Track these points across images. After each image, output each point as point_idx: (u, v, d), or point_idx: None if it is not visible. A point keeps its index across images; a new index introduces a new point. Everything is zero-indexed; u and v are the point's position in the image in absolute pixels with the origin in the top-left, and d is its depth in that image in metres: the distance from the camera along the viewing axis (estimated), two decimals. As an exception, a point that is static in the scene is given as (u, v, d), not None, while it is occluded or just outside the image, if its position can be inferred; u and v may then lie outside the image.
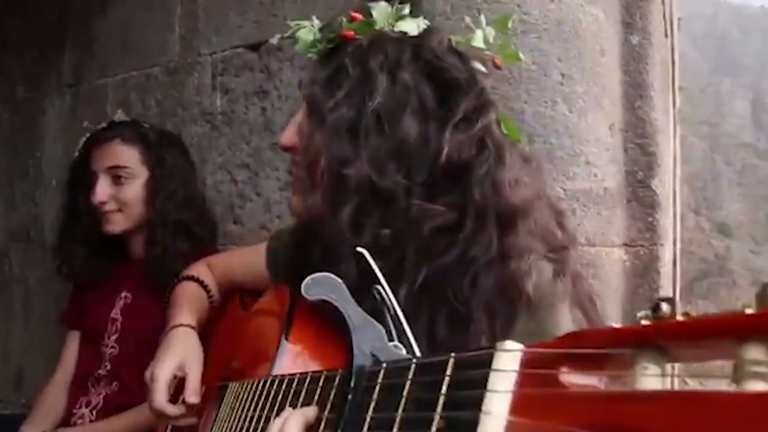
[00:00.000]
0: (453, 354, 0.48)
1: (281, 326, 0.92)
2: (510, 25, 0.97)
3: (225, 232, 1.82)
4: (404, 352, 0.57)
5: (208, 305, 1.23)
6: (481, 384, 0.43)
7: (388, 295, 0.60)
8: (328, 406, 0.60)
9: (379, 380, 0.54)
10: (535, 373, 0.41)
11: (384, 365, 0.55)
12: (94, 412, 1.62)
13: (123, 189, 1.63)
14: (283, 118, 1.74)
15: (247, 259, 1.24)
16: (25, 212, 2.40)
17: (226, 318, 1.24)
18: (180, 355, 1.03)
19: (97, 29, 2.18)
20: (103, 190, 1.61)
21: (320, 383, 0.64)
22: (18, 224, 2.42)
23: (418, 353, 0.59)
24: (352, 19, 0.90)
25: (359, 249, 0.65)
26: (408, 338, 0.58)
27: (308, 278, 0.59)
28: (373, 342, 0.57)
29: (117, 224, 1.64)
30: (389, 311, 0.59)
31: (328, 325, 0.85)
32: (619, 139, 1.39)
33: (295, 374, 0.72)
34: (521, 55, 0.91)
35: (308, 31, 0.99)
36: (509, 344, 0.44)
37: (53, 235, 2.28)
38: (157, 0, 2.02)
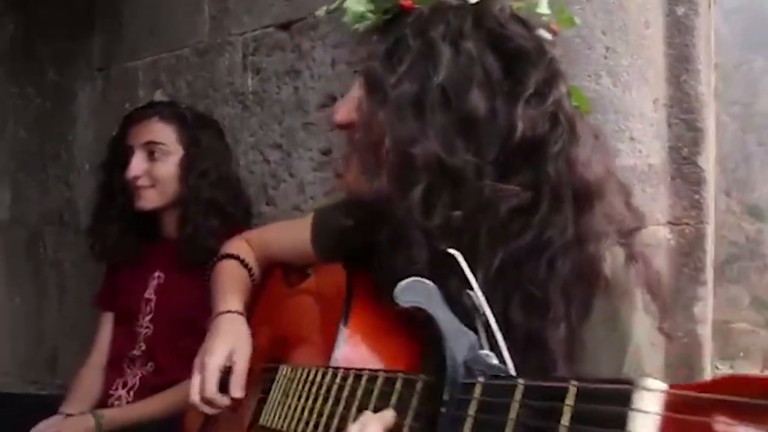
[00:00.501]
0: (575, 382, 0.44)
1: (330, 308, 0.91)
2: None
3: (258, 213, 1.81)
4: (496, 361, 0.55)
5: (250, 284, 1.20)
6: (617, 424, 0.39)
7: (480, 302, 0.56)
8: (411, 414, 0.57)
9: (476, 395, 0.51)
10: (683, 420, 0.37)
11: (481, 380, 0.52)
12: (131, 393, 1.63)
13: (157, 165, 1.63)
14: (316, 97, 1.72)
15: (287, 234, 1.21)
16: (58, 196, 2.41)
17: (266, 293, 1.21)
18: (230, 343, 1.01)
19: (125, 12, 2.18)
20: (138, 164, 1.62)
21: (397, 386, 0.61)
22: (51, 208, 2.43)
23: (510, 363, 0.56)
24: None
25: (451, 251, 0.60)
26: (500, 347, 0.55)
27: (400, 285, 0.55)
28: (466, 351, 0.54)
29: (149, 200, 1.64)
30: (480, 316, 0.56)
31: (387, 314, 0.81)
32: (663, 115, 1.35)
33: (362, 370, 0.70)
34: (576, 19, 0.87)
35: (357, 1, 0.98)
36: (651, 382, 0.40)
37: (87, 218, 2.31)
38: (186, -20, 2.01)
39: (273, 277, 1.23)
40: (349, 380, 0.72)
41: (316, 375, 0.80)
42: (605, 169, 0.78)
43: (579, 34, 1.22)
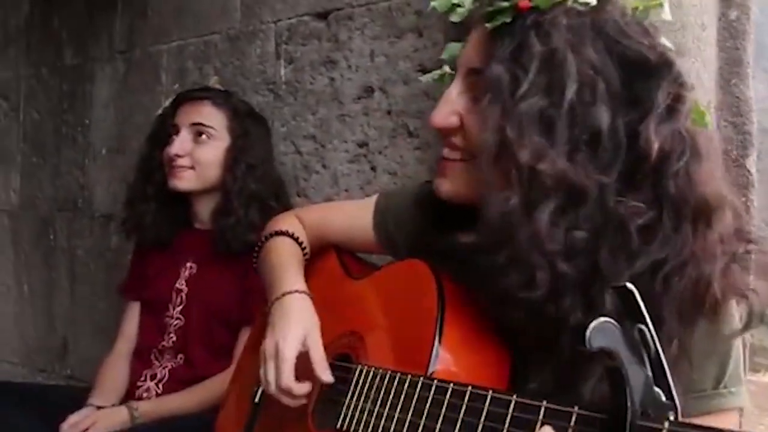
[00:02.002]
0: None
1: (409, 311, 0.88)
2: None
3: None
4: (664, 398, 0.53)
5: (304, 264, 1.13)
6: None
7: (653, 338, 0.55)
8: None
9: None
10: None
11: (666, 425, 0.50)
12: (160, 386, 1.59)
13: (202, 148, 1.60)
14: (353, 89, 1.70)
15: (344, 217, 1.15)
16: (72, 181, 2.36)
17: (322, 277, 1.13)
18: (302, 326, 0.95)
19: (151, -7, 2.13)
20: (182, 143, 1.59)
21: (542, 416, 0.59)
22: (65, 193, 2.39)
23: (678, 402, 0.54)
24: None
25: (627, 285, 0.56)
26: (669, 384, 0.54)
27: (593, 326, 0.52)
28: (642, 389, 0.53)
29: (186, 181, 1.60)
30: (650, 353, 0.55)
31: (481, 329, 0.82)
32: (713, 117, 1.36)
33: (486, 390, 0.67)
34: (667, 14, 0.84)
35: None
36: None
37: (103, 204, 2.27)
38: (216, -35, 1.98)
39: (328, 259, 1.16)
40: (466, 399, 0.68)
41: (417, 388, 0.75)
42: (723, 187, 0.75)
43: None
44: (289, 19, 1.81)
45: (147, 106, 2.11)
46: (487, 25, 0.77)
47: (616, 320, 0.55)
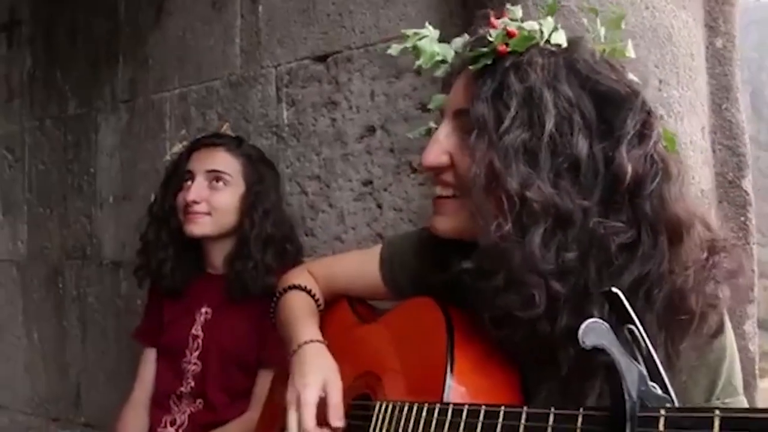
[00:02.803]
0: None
1: (419, 344, 0.93)
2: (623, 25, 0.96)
3: (296, 245, 1.81)
4: (660, 392, 0.58)
5: (318, 315, 1.19)
6: None
7: (642, 336, 0.59)
8: None
9: (660, 428, 0.54)
10: None
11: (663, 412, 0.54)
12: (180, 431, 1.61)
13: (218, 194, 1.63)
14: (355, 129, 1.75)
15: (353, 267, 1.21)
16: (79, 229, 2.39)
17: (336, 325, 1.19)
18: (322, 373, 1.00)
19: (151, 43, 2.19)
20: (198, 190, 1.62)
21: (551, 422, 0.63)
22: (73, 242, 2.41)
23: (673, 394, 0.58)
24: (491, 26, 0.88)
25: (613, 289, 0.62)
26: (663, 379, 0.58)
27: (584, 326, 0.57)
28: (638, 385, 0.57)
29: (202, 226, 1.62)
30: (642, 350, 0.59)
31: (489, 352, 0.86)
32: (708, 142, 1.40)
33: (498, 406, 0.71)
34: (630, 52, 0.90)
35: (430, 41, 0.99)
36: None
37: (111, 251, 2.30)
38: (215, 12, 2.03)
39: (340, 308, 1.22)
40: (481, 418, 0.73)
41: (435, 413, 0.79)
42: (691, 203, 0.82)
43: (635, 68, 1.26)
44: (289, 63, 1.86)
45: (152, 153, 2.15)
46: (471, 67, 0.84)
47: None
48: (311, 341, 1.06)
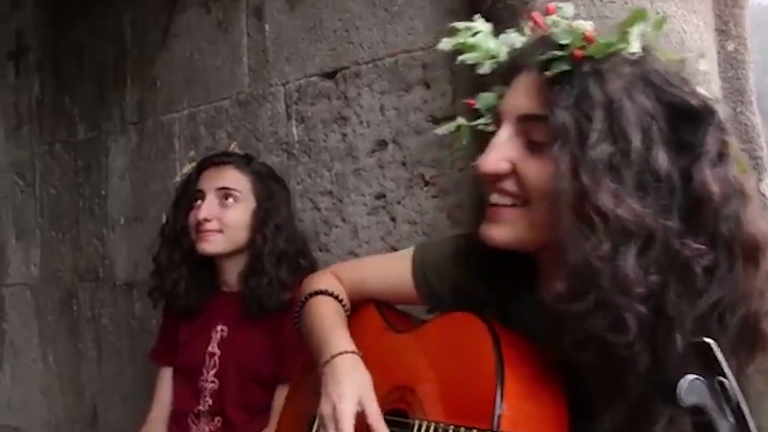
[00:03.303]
0: None
1: (462, 362, 0.89)
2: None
3: (310, 261, 1.81)
4: None
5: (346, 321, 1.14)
6: None
7: (734, 390, 0.57)
8: None
9: None
10: None
11: None
12: (200, 450, 1.61)
13: (229, 211, 1.63)
14: (366, 143, 1.74)
15: (381, 271, 1.16)
16: (92, 252, 2.40)
17: (363, 332, 1.12)
18: (356, 386, 0.96)
19: (159, 64, 2.20)
20: (209, 208, 1.62)
21: None
22: (85, 264, 2.42)
23: None
24: (536, 25, 0.86)
25: (706, 340, 0.58)
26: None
27: (685, 384, 0.55)
28: None
29: (215, 244, 1.62)
30: (730, 404, 0.57)
31: (539, 379, 0.83)
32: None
33: None
34: (703, 65, 0.87)
35: (485, 36, 0.94)
36: None
37: (123, 273, 2.30)
38: (221, 32, 2.04)
39: (368, 313, 1.16)
40: None
41: None
42: (765, 226, 0.78)
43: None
44: (298, 80, 1.87)
45: (162, 174, 2.16)
46: (547, 73, 0.79)
47: (700, 375, 0.57)
48: (345, 352, 1.01)
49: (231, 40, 2.01)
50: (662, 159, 0.74)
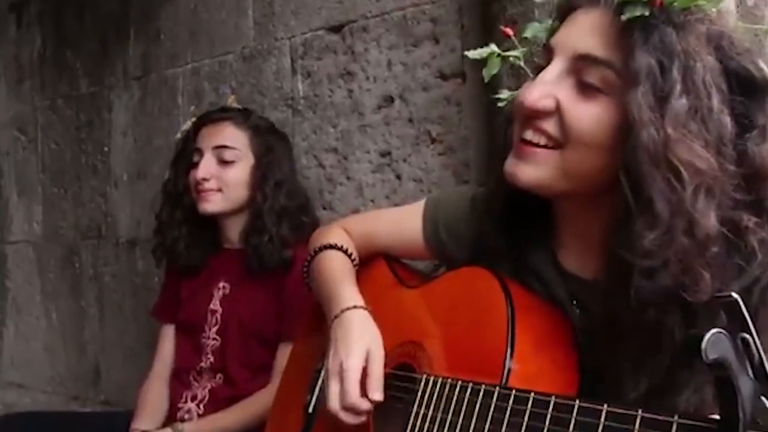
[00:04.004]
0: None
1: (472, 317, 0.86)
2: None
3: (314, 218, 1.79)
4: None
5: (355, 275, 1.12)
6: None
7: (758, 348, 0.55)
8: None
9: None
10: None
11: None
12: (201, 406, 1.60)
13: (227, 170, 1.60)
14: (373, 99, 1.71)
15: (391, 225, 1.13)
16: (94, 208, 2.38)
17: (372, 286, 1.10)
18: (365, 342, 0.94)
19: (163, 18, 2.15)
20: (207, 167, 1.59)
21: (664, 429, 0.57)
22: (88, 221, 2.40)
23: None
24: None
25: (733, 295, 0.57)
26: None
27: (708, 338, 0.53)
28: (751, 400, 0.54)
29: (215, 204, 1.60)
30: (753, 363, 0.55)
31: (550, 336, 0.81)
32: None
33: (596, 404, 0.64)
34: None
35: None
36: None
37: (126, 230, 2.29)
38: (226, -15, 2.00)
39: (377, 267, 1.14)
40: (551, 410, 0.67)
41: (494, 397, 0.74)
42: None
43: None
44: (303, 34, 1.83)
45: (165, 130, 2.13)
46: (624, 15, 0.74)
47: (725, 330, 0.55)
48: (355, 307, 0.99)
49: (236, -8, 1.97)
50: (727, 122, 0.72)
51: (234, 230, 1.66)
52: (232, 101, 1.74)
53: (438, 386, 0.83)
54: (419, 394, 0.86)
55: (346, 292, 1.03)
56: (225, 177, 1.60)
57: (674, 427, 0.57)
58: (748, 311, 0.57)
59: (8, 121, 2.69)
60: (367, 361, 0.93)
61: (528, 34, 0.92)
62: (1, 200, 2.75)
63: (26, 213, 2.65)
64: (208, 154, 1.61)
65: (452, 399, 0.80)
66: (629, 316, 0.74)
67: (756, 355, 0.55)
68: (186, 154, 1.66)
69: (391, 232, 1.12)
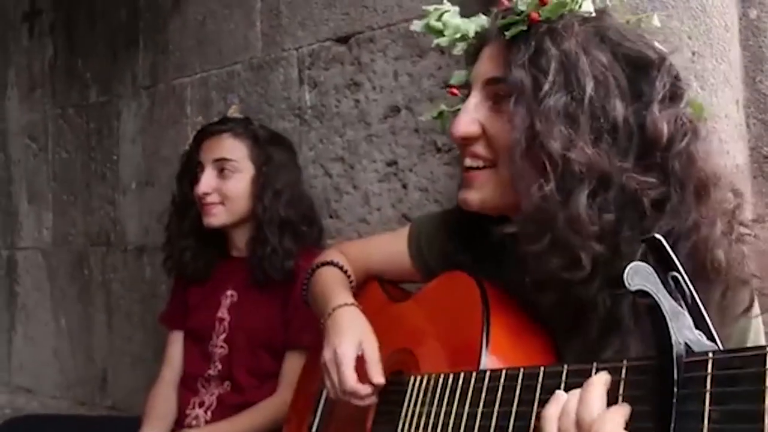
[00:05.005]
0: None
1: (453, 319, 0.92)
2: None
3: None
4: (706, 340, 0.57)
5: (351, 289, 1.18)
6: None
7: (686, 283, 0.58)
8: (630, 399, 0.59)
9: (709, 370, 0.53)
10: None
11: (711, 355, 0.54)
12: (209, 413, 1.62)
13: (227, 182, 1.62)
14: (379, 109, 1.73)
15: (383, 247, 1.21)
16: (103, 216, 2.41)
17: (367, 305, 1.15)
18: (356, 332, 1.00)
19: (171, 28, 2.18)
20: (207, 181, 1.61)
21: (620, 375, 0.62)
22: (97, 228, 2.43)
23: (719, 342, 0.58)
24: (501, 2, 0.90)
25: (656, 236, 0.62)
26: (708, 326, 0.57)
27: (630, 268, 0.56)
28: (685, 331, 0.56)
29: (218, 217, 1.63)
30: (686, 299, 0.58)
31: (524, 320, 0.87)
32: (742, 116, 1.37)
33: (557, 366, 0.70)
34: (655, 21, 0.90)
35: (452, 14, 0.98)
36: None
37: (135, 237, 2.31)
38: (234, -4, 2.02)
39: (371, 289, 1.21)
40: (520, 380, 0.72)
41: (471, 381, 0.79)
42: (718, 162, 0.84)
43: (666, 39, 1.23)
44: (311, 45, 1.85)
45: (173, 139, 2.16)
46: (506, 34, 0.84)
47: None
48: (345, 305, 1.06)
49: (244, 3, 1.99)
50: (618, 106, 0.78)
51: (241, 240, 1.68)
52: (233, 112, 1.77)
53: (423, 383, 0.89)
54: (407, 394, 0.91)
55: (337, 294, 1.10)
56: (226, 189, 1.62)
57: (624, 369, 0.61)
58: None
59: (20, 129, 2.73)
60: (361, 349, 0.98)
61: (453, 81, 1.03)
62: (11, 207, 2.78)
63: (36, 220, 2.68)
64: (209, 167, 1.63)
65: (435, 392, 0.85)
66: (537, 298, 0.83)
67: (687, 292, 0.58)
68: (189, 168, 1.69)
69: (382, 254, 1.19)
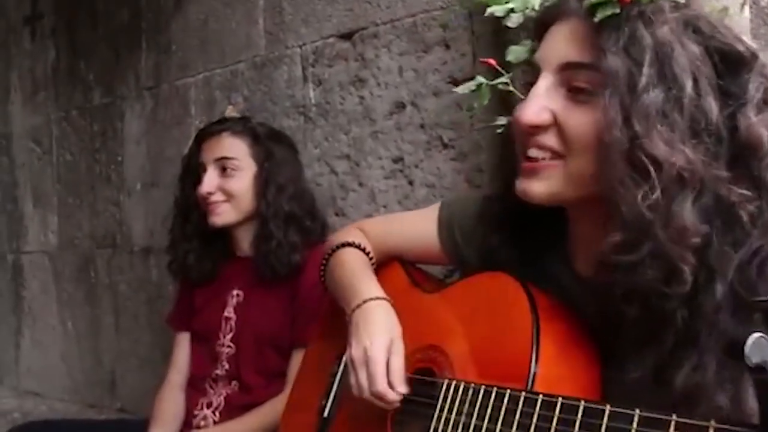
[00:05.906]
0: None
1: (496, 324, 0.86)
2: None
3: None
4: None
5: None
6: None
7: None
8: None
9: None
10: None
11: None
12: (217, 413, 1.61)
13: (230, 181, 1.61)
14: (384, 105, 1.71)
15: (407, 228, 1.14)
16: (109, 218, 2.40)
17: (388, 289, 1.07)
18: (388, 332, 0.95)
19: (173, 28, 2.17)
20: (210, 181, 1.60)
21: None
22: (103, 231, 2.43)
23: None
24: None
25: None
26: None
27: (752, 343, 0.53)
28: None
29: (223, 215, 1.62)
30: None
31: (574, 340, 0.81)
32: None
33: (632, 411, 0.63)
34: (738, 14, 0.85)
35: None
36: None
37: (140, 239, 2.30)
38: (236, -5, 2.01)
39: (393, 271, 1.13)
40: (581, 415, 0.67)
41: (520, 403, 0.74)
42: None
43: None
44: (314, 42, 1.84)
45: (178, 139, 2.15)
46: (596, 17, 0.75)
47: (764, 333, 0.55)
48: (377, 298, 1.00)
49: (246, 1, 1.98)
50: (712, 106, 0.72)
51: (245, 239, 1.66)
52: (231, 111, 1.76)
53: (461, 391, 0.83)
54: (441, 397, 0.86)
55: (366, 285, 1.03)
56: (229, 188, 1.61)
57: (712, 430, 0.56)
58: (749, 287, 0.57)
59: (24, 133, 2.72)
60: (390, 352, 0.93)
61: (511, 57, 0.94)
62: (17, 211, 2.78)
63: (42, 223, 2.68)
64: (211, 167, 1.62)
65: (476, 403, 0.79)
66: (617, 312, 0.76)
67: None
68: (191, 170, 1.68)
69: (406, 234, 1.12)
